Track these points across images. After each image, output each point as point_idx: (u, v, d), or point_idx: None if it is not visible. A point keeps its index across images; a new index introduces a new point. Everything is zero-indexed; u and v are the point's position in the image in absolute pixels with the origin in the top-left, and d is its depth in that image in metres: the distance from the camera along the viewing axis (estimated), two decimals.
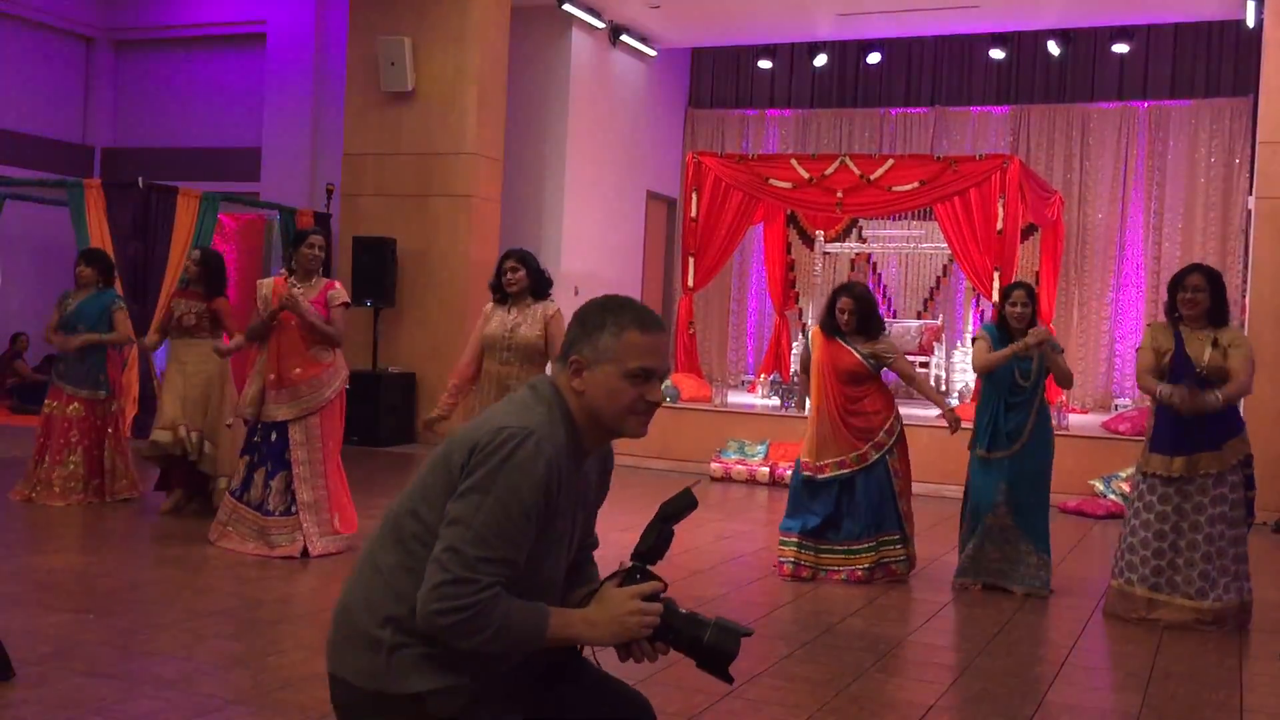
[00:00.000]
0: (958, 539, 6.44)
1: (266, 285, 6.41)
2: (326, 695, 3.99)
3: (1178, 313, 5.68)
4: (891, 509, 6.35)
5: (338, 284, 6.45)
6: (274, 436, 6.23)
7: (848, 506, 6.33)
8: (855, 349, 6.33)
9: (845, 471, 6.30)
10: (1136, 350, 6.05)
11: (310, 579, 5.85)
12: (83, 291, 7.70)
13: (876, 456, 6.30)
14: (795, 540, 6.35)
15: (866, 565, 6.30)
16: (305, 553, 6.17)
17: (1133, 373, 13.72)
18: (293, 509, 6.21)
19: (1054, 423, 9.66)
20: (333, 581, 5.80)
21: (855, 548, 6.32)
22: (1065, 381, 6.42)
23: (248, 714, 3.87)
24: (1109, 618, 5.78)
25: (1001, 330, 6.22)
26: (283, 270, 6.50)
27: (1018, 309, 6.14)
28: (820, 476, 6.32)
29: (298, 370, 6.20)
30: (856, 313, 6.31)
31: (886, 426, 6.35)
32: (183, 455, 7.31)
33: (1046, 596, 6.15)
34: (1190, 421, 5.55)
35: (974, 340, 6.46)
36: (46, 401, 7.74)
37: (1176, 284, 5.70)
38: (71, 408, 7.61)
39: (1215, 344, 5.55)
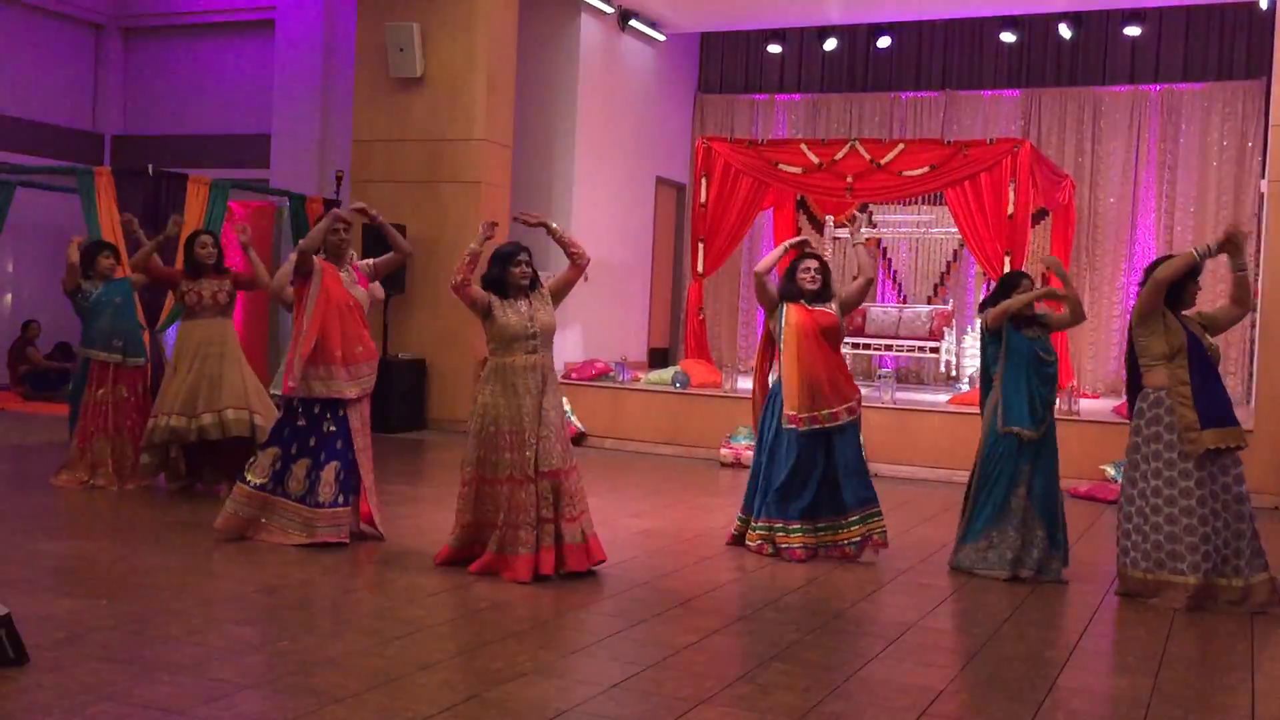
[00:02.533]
0: (964, 523, 6.30)
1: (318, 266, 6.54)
2: (339, 680, 4.04)
3: (1179, 299, 5.78)
4: (866, 479, 6.49)
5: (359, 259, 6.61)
6: (327, 426, 6.17)
7: (827, 481, 6.41)
8: (829, 309, 6.52)
9: (831, 424, 6.38)
10: None
11: (322, 564, 5.86)
12: (100, 281, 7.82)
13: (851, 418, 6.44)
14: (799, 526, 6.40)
15: (856, 540, 6.41)
16: (360, 536, 6.25)
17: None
18: (339, 500, 6.14)
19: (1065, 407, 9.74)
20: (344, 565, 5.82)
21: (845, 522, 6.42)
22: (1077, 312, 6.27)
23: (260, 699, 3.89)
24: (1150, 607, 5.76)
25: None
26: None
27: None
28: (807, 428, 6.37)
29: (359, 349, 6.25)
30: (821, 273, 6.53)
31: (859, 396, 6.54)
32: (193, 441, 7.45)
33: (1063, 584, 6.08)
34: (1222, 399, 5.65)
35: (983, 309, 6.47)
36: (88, 390, 7.78)
37: (1190, 275, 5.78)
38: (117, 388, 7.72)
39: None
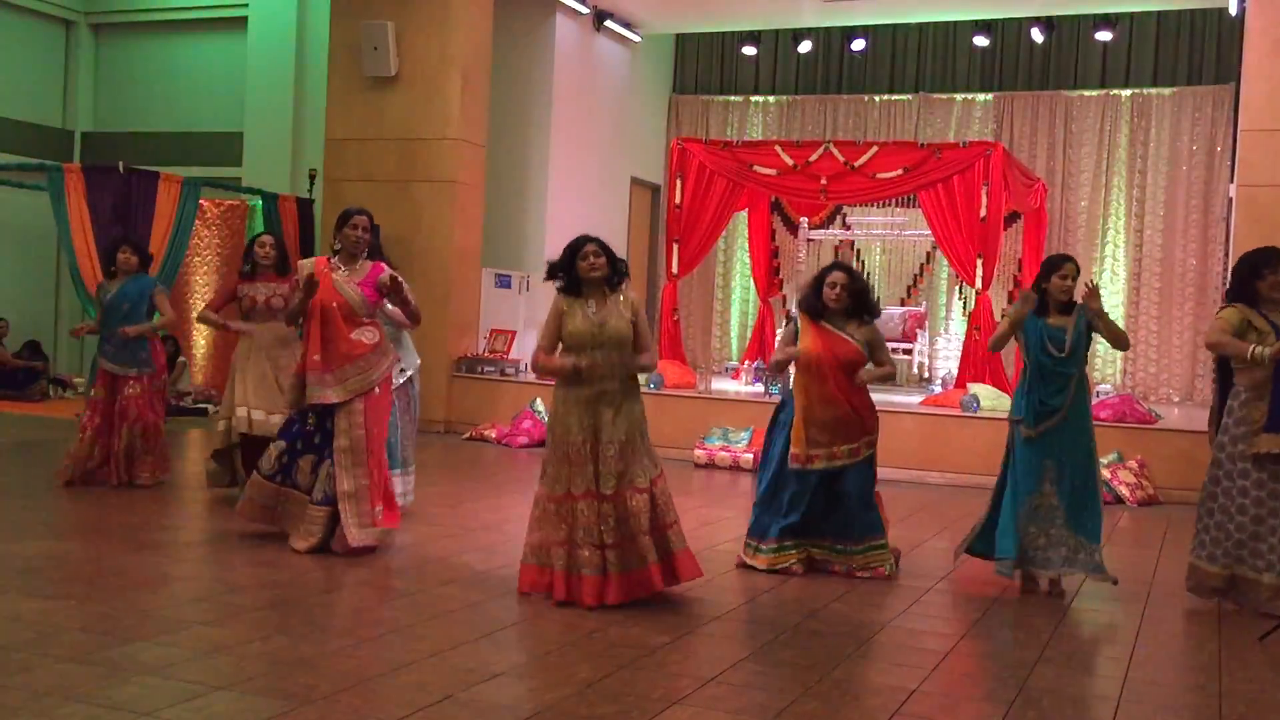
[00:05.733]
0: (982, 516, 6.07)
1: (308, 265, 6.22)
2: (309, 681, 4.02)
3: (1257, 295, 5.52)
4: (875, 513, 6.06)
5: (386, 267, 6.21)
6: (328, 423, 6.07)
7: (830, 501, 6.03)
8: (851, 337, 5.93)
9: (836, 464, 5.98)
10: (1217, 317, 5.77)
11: (294, 565, 5.83)
12: (122, 277, 7.74)
13: (867, 453, 6.02)
14: (792, 543, 6.05)
15: (857, 565, 6.05)
16: (329, 546, 5.98)
17: (1110, 358, 13.87)
18: (322, 499, 6.03)
19: None
20: (316, 567, 5.78)
21: (846, 548, 6.06)
22: (1119, 344, 5.95)
23: (230, 700, 3.86)
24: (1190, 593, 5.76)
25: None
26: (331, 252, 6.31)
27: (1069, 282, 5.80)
28: (810, 468, 6.00)
29: (342, 349, 6.05)
30: (851, 290, 5.90)
31: (870, 436, 6.03)
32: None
33: (1108, 582, 5.85)
34: None
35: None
36: (94, 387, 7.83)
37: (1262, 265, 5.52)
38: (128, 388, 7.65)
39: None
